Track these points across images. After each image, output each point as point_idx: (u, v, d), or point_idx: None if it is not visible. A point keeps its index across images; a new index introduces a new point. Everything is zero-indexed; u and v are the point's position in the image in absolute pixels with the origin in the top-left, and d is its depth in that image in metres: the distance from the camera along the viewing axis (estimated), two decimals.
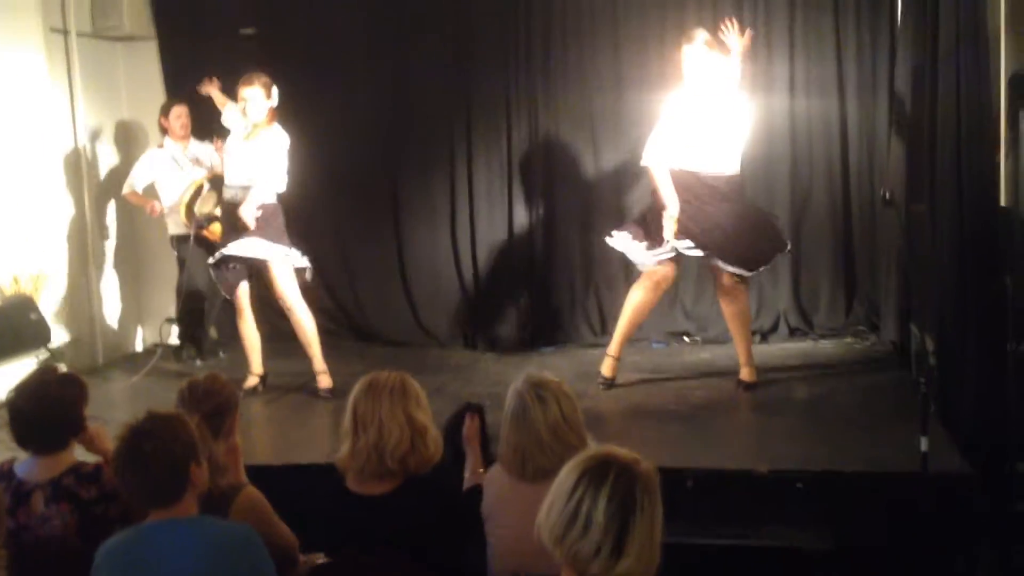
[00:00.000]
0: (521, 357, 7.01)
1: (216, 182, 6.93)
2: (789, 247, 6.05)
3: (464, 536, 3.09)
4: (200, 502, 2.89)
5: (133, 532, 2.63)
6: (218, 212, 6.71)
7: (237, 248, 6.03)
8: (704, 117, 5.73)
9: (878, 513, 4.29)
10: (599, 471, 2.13)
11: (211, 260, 6.18)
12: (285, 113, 7.63)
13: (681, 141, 5.78)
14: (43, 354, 6.47)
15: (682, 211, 5.70)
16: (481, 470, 3.46)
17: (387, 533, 3.00)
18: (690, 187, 5.76)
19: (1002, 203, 5.32)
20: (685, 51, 5.75)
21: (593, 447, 2.29)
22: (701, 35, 5.76)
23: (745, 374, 5.91)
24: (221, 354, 7.42)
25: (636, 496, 2.12)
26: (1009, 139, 5.63)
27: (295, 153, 7.55)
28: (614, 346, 6.06)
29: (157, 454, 2.60)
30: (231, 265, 6.14)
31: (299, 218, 7.50)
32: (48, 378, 3.31)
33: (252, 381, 6.30)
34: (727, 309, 5.96)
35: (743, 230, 5.77)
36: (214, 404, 3.28)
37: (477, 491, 3.23)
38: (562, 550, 2.12)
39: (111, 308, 7.77)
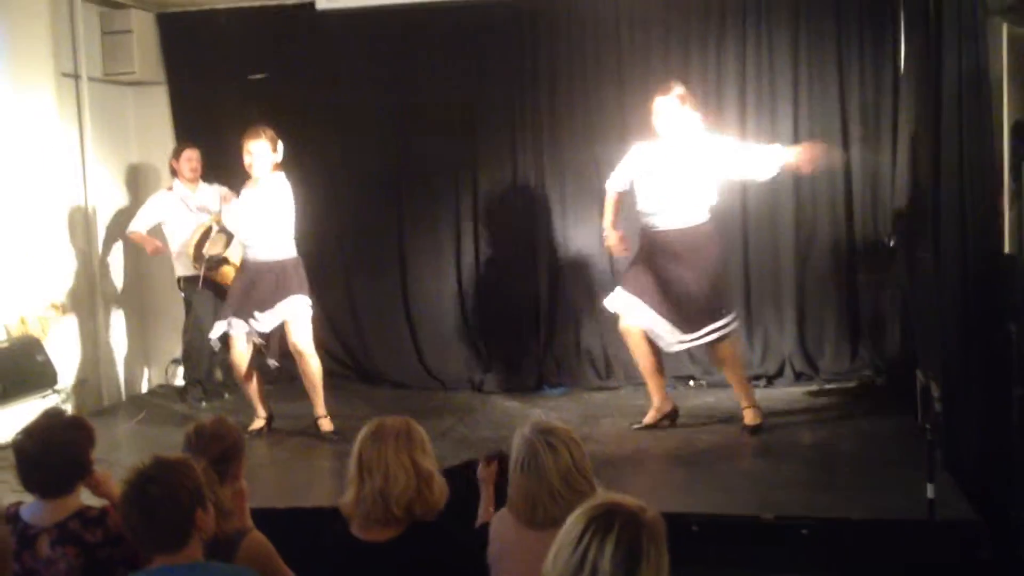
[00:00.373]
0: (527, 399, 7.02)
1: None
2: (728, 320, 5.89)
3: None
4: (206, 546, 2.89)
5: None
6: (228, 255, 6.75)
7: (270, 320, 6.05)
8: (664, 170, 5.80)
9: (885, 560, 4.27)
10: (605, 520, 2.13)
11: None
12: (293, 158, 7.72)
13: (639, 193, 5.88)
14: (49, 395, 6.48)
15: (636, 265, 5.91)
16: (491, 508, 3.45)
17: None
18: (644, 236, 5.94)
19: (1006, 250, 5.34)
20: (657, 103, 5.81)
21: (600, 495, 2.29)
22: (676, 88, 5.83)
23: (748, 417, 5.91)
24: (226, 395, 7.42)
25: (642, 545, 2.11)
26: (1013, 187, 5.66)
27: (303, 197, 7.62)
28: (652, 396, 6.13)
29: (163, 499, 2.60)
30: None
31: (306, 262, 7.56)
32: (55, 422, 3.31)
33: (258, 423, 6.31)
34: (712, 358, 5.97)
35: (687, 293, 5.80)
36: (221, 448, 3.28)
37: (485, 530, 3.22)
38: None
39: (117, 349, 7.80)
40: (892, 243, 4.63)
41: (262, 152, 6.04)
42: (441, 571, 2.99)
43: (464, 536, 3.22)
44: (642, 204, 5.91)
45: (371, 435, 3.10)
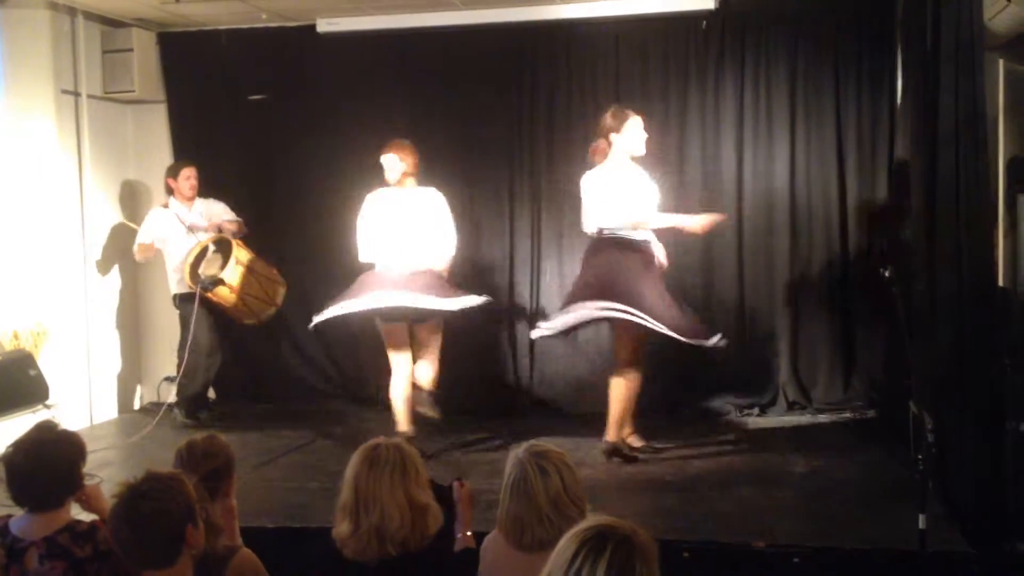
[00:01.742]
0: (523, 422, 7.02)
1: (222, 244, 6.96)
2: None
3: None
4: (195, 564, 2.87)
5: None
6: (223, 276, 6.75)
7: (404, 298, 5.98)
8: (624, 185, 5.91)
9: None
10: (598, 542, 2.12)
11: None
12: (291, 180, 7.76)
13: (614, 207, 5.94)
14: (41, 410, 6.45)
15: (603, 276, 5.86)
16: (469, 533, 3.42)
17: None
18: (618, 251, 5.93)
19: (1000, 284, 5.37)
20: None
21: (592, 517, 2.28)
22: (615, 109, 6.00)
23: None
24: (219, 414, 7.38)
25: (635, 567, 2.10)
26: (1007, 221, 5.70)
27: (300, 219, 7.63)
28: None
29: (154, 515, 2.58)
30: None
31: (301, 282, 7.57)
32: (45, 436, 3.28)
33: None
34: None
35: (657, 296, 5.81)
36: (212, 466, 3.27)
37: (468, 555, 3.20)
38: None
39: (110, 366, 7.78)
40: (888, 274, 4.65)
41: (401, 162, 6.13)
42: None
43: (453, 560, 3.19)
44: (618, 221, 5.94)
45: (366, 464, 3.04)
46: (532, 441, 3.07)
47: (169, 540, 2.62)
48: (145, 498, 2.60)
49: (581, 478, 3.05)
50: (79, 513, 3.34)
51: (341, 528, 3.00)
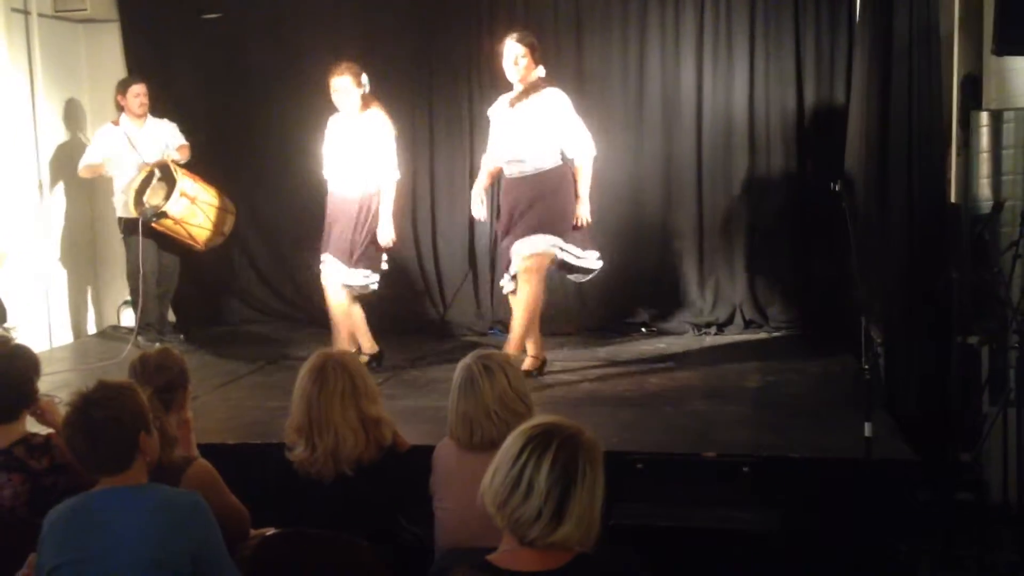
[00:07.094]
0: (482, 343, 7.05)
1: (167, 171, 6.83)
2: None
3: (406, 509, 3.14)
4: (151, 473, 2.91)
5: (81, 499, 2.65)
6: (167, 208, 6.65)
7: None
8: (518, 118, 5.92)
9: (822, 497, 4.37)
10: (543, 438, 2.19)
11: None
12: (250, 96, 7.64)
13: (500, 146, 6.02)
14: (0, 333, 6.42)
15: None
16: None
17: (336, 513, 3.04)
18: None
19: (952, 200, 5.44)
20: (507, 45, 5.91)
21: (540, 416, 2.34)
22: (523, 36, 5.94)
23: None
24: (181, 336, 7.35)
25: (578, 464, 2.17)
26: (960, 138, 5.75)
27: (254, 138, 7.52)
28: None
29: (106, 422, 2.62)
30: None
31: (267, 206, 7.54)
32: None
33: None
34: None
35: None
36: (166, 378, 3.31)
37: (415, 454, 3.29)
38: (504, 515, 2.17)
39: (67, 289, 7.72)
40: (836, 188, 4.72)
41: (345, 87, 6.01)
42: (384, 505, 3.05)
43: (403, 469, 3.27)
44: (502, 155, 6.01)
45: (316, 385, 3.12)
46: (477, 349, 3.16)
47: (122, 446, 2.66)
48: (97, 406, 2.63)
49: (544, 395, 3.13)
50: (35, 427, 3.36)
51: (296, 451, 3.07)
